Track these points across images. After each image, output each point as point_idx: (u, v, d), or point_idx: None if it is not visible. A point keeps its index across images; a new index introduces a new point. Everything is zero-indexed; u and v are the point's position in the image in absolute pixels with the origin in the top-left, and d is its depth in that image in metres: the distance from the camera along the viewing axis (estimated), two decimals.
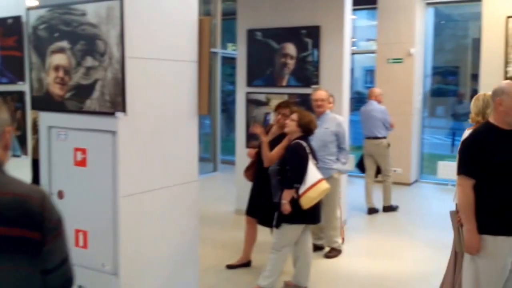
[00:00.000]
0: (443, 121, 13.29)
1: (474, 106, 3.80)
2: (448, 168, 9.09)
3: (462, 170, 3.13)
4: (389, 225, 6.23)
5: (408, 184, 9.21)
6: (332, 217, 5.47)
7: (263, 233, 5.12)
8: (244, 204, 5.19)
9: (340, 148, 5.40)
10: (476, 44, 5.89)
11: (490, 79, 5.59)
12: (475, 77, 9.60)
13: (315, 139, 5.07)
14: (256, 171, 5.00)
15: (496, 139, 3.07)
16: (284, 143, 4.52)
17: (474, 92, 8.80)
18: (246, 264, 5.10)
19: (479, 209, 3.05)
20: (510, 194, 3.04)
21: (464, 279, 3.24)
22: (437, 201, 8.35)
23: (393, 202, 7.35)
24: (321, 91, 5.53)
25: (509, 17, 5.43)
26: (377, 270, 5.23)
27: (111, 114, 3.16)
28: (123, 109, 3.13)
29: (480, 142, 3.09)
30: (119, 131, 3.17)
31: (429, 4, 9.48)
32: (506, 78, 5.45)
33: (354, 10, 7.17)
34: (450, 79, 12.97)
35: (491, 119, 3.13)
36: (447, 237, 6.26)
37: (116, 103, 3.12)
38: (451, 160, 9.96)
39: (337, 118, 5.49)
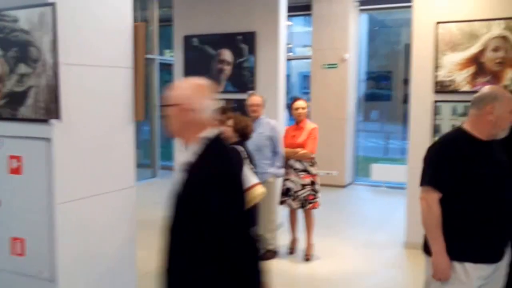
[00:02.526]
0: (376, 125, 13.74)
1: None
2: (382, 170, 9.46)
3: (428, 180, 2.75)
4: (325, 226, 6.40)
5: (343, 186, 9.50)
6: (268, 220, 5.57)
7: None
8: None
9: (274, 153, 5.52)
10: (408, 49, 6.13)
11: (420, 84, 5.85)
12: (406, 81, 10.03)
13: (251, 144, 5.18)
14: None
15: (472, 149, 2.70)
16: None
17: (405, 96, 9.22)
18: None
19: (443, 229, 2.69)
20: (483, 214, 2.67)
21: None
22: (371, 203, 8.67)
23: (330, 204, 7.54)
24: (255, 96, 5.65)
25: (438, 23, 5.67)
26: (315, 270, 5.38)
27: (46, 121, 3.13)
28: (58, 116, 3.10)
29: (453, 151, 2.71)
30: (54, 138, 3.14)
31: (362, 10, 9.81)
32: (436, 83, 5.73)
33: (290, 16, 7.35)
34: (383, 84, 13.43)
35: (467, 127, 2.76)
36: (380, 236, 6.60)
37: (51, 110, 3.09)
38: (384, 162, 10.37)
39: (271, 123, 5.61)
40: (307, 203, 5.56)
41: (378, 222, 7.10)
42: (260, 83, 6.70)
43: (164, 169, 10.61)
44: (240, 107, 6.30)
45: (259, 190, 4.29)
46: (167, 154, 10.52)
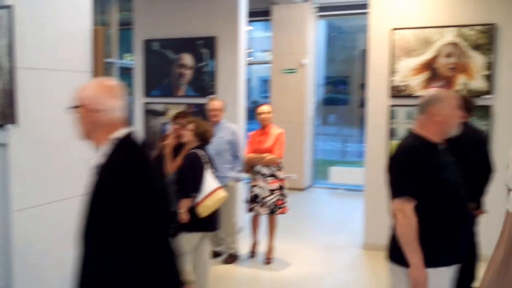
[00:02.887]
0: (334, 128, 13.96)
1: None
2: (340, 173, 9.62)
3: (401, 191, 2.71)
4: (285, 230, 6.45)
5: (302, 189, 9.61)
6: (229, 224, 5.60)
7: None
8: None
9: (235, 157, 5.53)
10: (364, 55, 6.26)
11: (376, 89, 5.98)
12: (363, 86, 10.24)
13: (211, 148, 5.19)
14: None
15: (431, 154, 2.76)
16: (183, 153, 4.58)
17: (362, 100, 9.41)
18: None
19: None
20: (448, 216, 2.73)
21: None
22: (330, 205, 8.80)
23: (289, 207, 7.58)
24: (216, 101, 5.64)
25: (394, 29, 5.81)
26: (276, 273, 5.41)
27: (1, 126, 3.06)
28: (14, 121, 3.04)
29: (417, 158, 2.71)
30: (10, 144, 3.07)
31: (321, 16, 9.96)
32: (391, 88, 5.88)
33: (250, 21, 7.41)
34: (341, 88, 13.67)
35: (420, 131, 2.81)
36: (339, 238, 6.70)
37: (7, 114, 3.03)
38: (342, 165, 10.54)
39: (231, 127, 5.62)
40: (277, 208, 5.54)
41: (337, 224, 7.22)
42: (221, 88, 6.72)
43: None
44: (200, 112, 6.31)
45: (221, 194, 4.31)
46: None
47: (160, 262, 2.11)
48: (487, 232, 5.01)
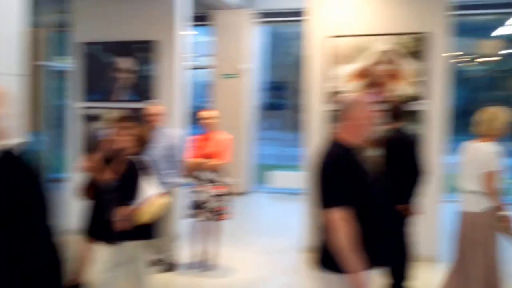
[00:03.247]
0: (274, 133, 14.12)
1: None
2: (279, 177, 9.74)
3: (337, 201, 2.69)
4: (226, 235, 6.44)
5: (242, 194, 9.63)
6: (170, 231, 5.52)
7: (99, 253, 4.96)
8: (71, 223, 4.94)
9: (175, 162, 5.44)
10: (302, 61, 6.39)
11: (314, 94, 6.11)
12: (301, 92, 10.40)
13: (150, 154, 5.13)
14: (95, 188, 4.81)
15: (354, 158, 2.82)
16: (120, 159, 4.47)
17: (300, 106, 9.56)
18: (74, 287, 4.86)
19: None
20: (373, 219, 2.78)
21: None
22: (270, 209, 8.89)
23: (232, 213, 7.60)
24: (155, 106, 5.57)
25: (330, 37, 5.96)
26: (218, 280, 5.41)
27: None
28: None
29: (344, 164, 2.75)
30: None
31: (261, 22, 10.08)
32: (329, 93, 6.02)
33: (195, 26, 7.38)
34: (280, 94, 13.83)
35: (342, 137, 2.84)
36: (280, 242, 6.77)
37: None
38: (282, 169, 10.67)
39: (172, 132, 5.55)
40: (217, 214, 5.47)
41: (278, 228, 7.30)
42: (161, 92, 6.65)
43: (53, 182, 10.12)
44: (139, 117, 6.21)
45: (161, 201, 4.25)
46: (55, 165, 10.05)
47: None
48: (422, 232, 5.23)
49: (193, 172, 5.49)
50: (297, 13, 9.14)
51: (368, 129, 2.88)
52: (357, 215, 2.69)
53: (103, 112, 6.79)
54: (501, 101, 12.51)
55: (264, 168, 10.89)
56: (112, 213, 4.18)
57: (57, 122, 10.93)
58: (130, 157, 4.28)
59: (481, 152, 4.14)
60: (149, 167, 4.39)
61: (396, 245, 4.65)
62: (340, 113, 2.86)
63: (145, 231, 4.27)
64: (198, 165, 5.44)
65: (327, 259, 2.78)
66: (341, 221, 2.66)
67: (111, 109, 6.77)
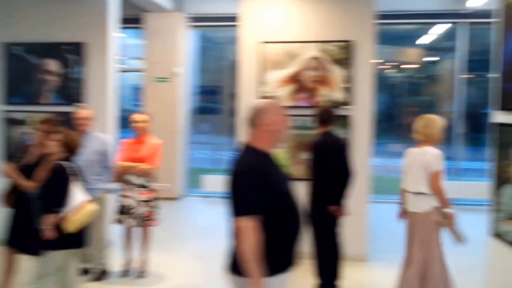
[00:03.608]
0: (206, 137, 14.15)
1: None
2: (213, 181, 9.76)
3: (246, 210, 2.67)
4: (159, 241, 6.40)
5: (176, 199, 9.60)
6: (99, 239, 5.39)
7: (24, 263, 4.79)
8: None
9: (105, 168, 5.36)
10: (235, 65, 6.48)
11: (246, 98, 6.19)
12: (234, 96, 10.49)
13: (80, 159, 5.01)
14: (17, 195, 4.59)
15: (268, 165, 2.82)
16: (46, 164, 4.34)
17: (232, 109, 9.64)
18: None
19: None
20: (287, 224, 2.82)
21: None
22: (203, 213, 8.89)
23: (163, 217, 7.48)
24: (84, 109, 5.45)
25: (262, 42, 6.07)
26: (149, 287, 5.35)
27: None
28: None
29: (260, 173, 2.72)
30: None
31: (192, 26, 10.08)
32: (265, 98, 6.12)
33: (122, 28, 7.28)
34: (212, 98, 13.86)
35: (255, 144, 2.83)
36: (214, 246, 6.79)
37: None
38: (215, 173, 10.71)
39: (102, 137, 5.45)
40: (145, 220, 5.39)
41: (211, 232, 7.30)
42: (90, 96, 6.51)
43: None
44: (68, 121, 6.05)
45: (90, 208, 4.15)
46: None
47: None
48: (350, 232, 5.45)
49: (122, 176, 5.40)
50: (230, 18, 9.25)
51: (280, 135, 2.87)
52: (269, 222, 2.69)
53: (28, 116, 6.56)
54: (422, 107, 13.21)
55: (197, 172, 10.88)
56: (38, 221, 4.05)
57: None
58: (58, 162, 4.15)
59: (426, 155, 4.41)
60: (77, 173, 4.29)
61: (327, 246, 4.82)
62: (251, 120, 2.83)
63: (74, 240, 4.16)
64: (127, 169, 5.35)
65: (237, 264, 2.77)
66: (248, 229, 2.64)
67: (37, 113, 6.57)
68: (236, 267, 2.79)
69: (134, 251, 5.65)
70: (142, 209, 5.37)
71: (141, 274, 5.53)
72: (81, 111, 5.39)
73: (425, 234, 4.49)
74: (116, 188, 5.53)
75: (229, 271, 2.87)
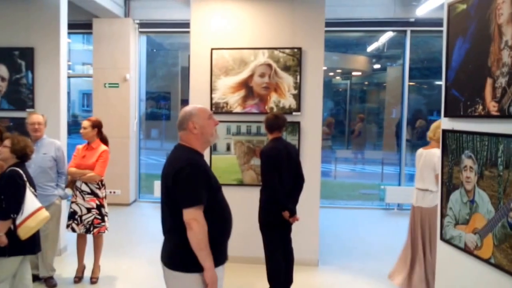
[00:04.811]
0: (157, 143, 14.08)
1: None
2: None
3: (193, 201, 2.84)
4: (110, 247, 6.34)
5: (128, 204, 9.52)
6: (51, 246, 5.36)
7: None
8: None
9: (59, 173, 5.35)
10: (185, 72, 6.49)
11: (198, 104, 6.22)
12: (185, 102, 10.49)
13: (33, 165, 4.94)
14: None
15: (204, 162, 3.06)
16: None
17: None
18: None
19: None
20: (221, 219, 3.01)
21: None
22: (155, 219, 8.78)
23: (115, 223, 7.43)
24: (37, 114, 5.39)
25: (213, 49, 6.13)
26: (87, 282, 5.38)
27: None
28: None
29: (202, 168, 2.96)
30: None
31: (142, 32, 10.03)
32: (212, 104, 6.17)
33: (70, 33, 7.19)
34: (162, 104, 13.80)
35: (193, 146, 3.04)
36: None
37: None
38: None
39: (55, 143, 5.41)
40: (93, 227, 5.35)
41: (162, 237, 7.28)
42: (40, 101, 6.41)
43: None
44: (17, 126, 5.95)
45: (43, 214, 4.12)
46: None
47: None
48: (300, 237, 5.57)
49: (70, 181, 5.41)
50: (179, 24, 9.29)
51: (208, 137, 3.06)
52: (208, 216, 2.87)
53: None
54: (370, 113, 13.57)
55: (149, 178, 10.79)
56: None
57: None
58: (11, 168, 4.12)
59: (434, 157, 5.00)
60: (31, 179, 4.24)
61: (278, 250, 4.90)
62: (180, 124, 3.05)
63: (28, 246, 4.14)
64: (75, 175, 5.35)
65: (178, 259, 2.93)
66: (199, 219, 2.81)
67: None
68: (178, 263, 2.93)
69: (82, 257, 5.61)
70: (89, 217, 5.34)
71: (93, 280, 5.49)
72: (34, 116, 5.32)
73: (432, 229, 5.02)
74: (67, 194, 5.50)
75: (171, 267, 2.98)
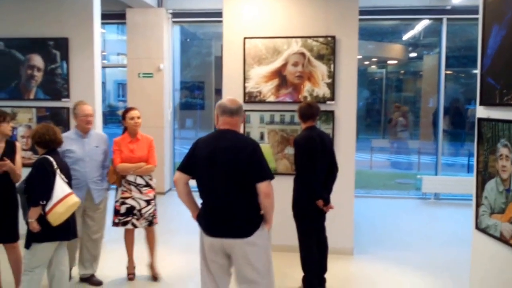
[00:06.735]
0: (191, 132, 14.18)
1: None
2: None
3: (270, 174, 3.44)
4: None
5: (163, 193, 9.63)
6: (94, 244, 5.15)
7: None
8: None
9: (104, 166, 5.14)
10: (219, 61, 6.48)
11: (231, 94, 6.20)
12: (218, 91, 10.52)
13: (88, 159, 4.90)
14: None
15: None
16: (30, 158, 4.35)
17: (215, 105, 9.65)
18: None
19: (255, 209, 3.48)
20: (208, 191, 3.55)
21: None
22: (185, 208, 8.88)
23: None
24: (88, 105, 5.07)
25: (246, 38, 6.10)
26: (140, 279, 5.35)
27: None
28: None
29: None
30: None
31: (175, 22, 10.08)
32: (245, 93, 6.16)
33: (104, 24, 7.26)
34: (196, 93, 13.88)
35: (238, 131, 3.62)
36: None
37: None
38: None
39: (103, 135, 5.22)
40: (153, 219, 5.19)
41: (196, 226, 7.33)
42: (75, 91, 6.50)
43: None
44: (52, 116, 6.06)
45: (73, 200, 4.16)
46: None
47: None
48: (337, 226, 5.53)
49: (120, 176, 5.14)
50: (212, 14, 9.28)
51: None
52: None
53: (14, 111, 6.53)
54: (406, 103, 13.34)
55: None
56: (26, 215, 4.10)
57: None
58: (42, 156, 4.18)
59: None
60: (64, 166, 4.31)
61: (313, 239, 4.87)
62: (237, 111, 3.57)
63: (61, 232, 4.19)
64: (129, 169, 5.09)
65: (254, 223, 3.49)
66: (272, 190, 3.43)
67: (22, 108, 6.55)
68: (254, 225, 3.47)
69: (131, 252, 5.41)
70: (150, 209, 5.18)
71: (154, 277, 5.33)
72: (87, 108, 5.01)
73: None
74: (111, 186, 5.29)
75: (248, 234, 3.46)
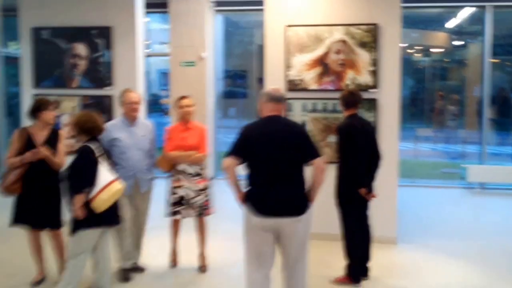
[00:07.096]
0: (235, 121, 14.23)
1: None
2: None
3: (321, 151, 3.82)
4: (190, 222, 6.45)
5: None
6: (140, 232, 5.16)
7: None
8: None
9: (151, 156, 5.08)
10: (261, 50, 6.46)
11: (273, 82, 6.18)
12: (260, 80, 10.50)
13: (135, 148, 4.86)
14: (25, 180, 4.60)
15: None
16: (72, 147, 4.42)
17: (258, 93, 9.63)
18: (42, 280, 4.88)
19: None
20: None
21: None
22: (231, 195, 8.93)
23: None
24: (134, 93, 5.01)
25: (288, 26, 6.06)
26: (184, 266, 5.39)
27: None
28: None
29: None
30: None
31: (218, 11, 10.09)
32: (287, 82, 6.13)
33: (147, 12, 7.34)
34: (239, 82, 13.89)
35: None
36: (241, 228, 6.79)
37: None
38: None
39: (149, 124, 5.15)
40: (204, 209, 5.11)
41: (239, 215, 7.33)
42: (119, 79, 6.61)
43: None
44: (97, 104, 6.17)
45: (116, 186, 4.21)
46: None
47: None
48: (380, 215, 5.46)
49: (171, 165, 5.08)
50: (254, 2, 9.23)
51: None
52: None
53: (59, 99, 6.69)
54: (450, 91, 13.01)
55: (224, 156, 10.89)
56: (70, 202, 4.16)
57: (13, 110, 10.72)
58: (84, 144, 4.22)
59: None
60: (106, 154, 4.38)
61: (356, 228, 4.84)
62: (283, 99, 3.88)
63: (105, 218, 4.25)
64: (180, 158, 5.02)
65: (307, 201, 3.74)
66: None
67: (66, 97, 6.71)
68: (307, 204, 3.72)
69: (176, 242, 5.38)
70: (201, 199, 5.11)
71: (203, 268, 5.27)
72: (134, 95, 4.95)
73: None
74: (159, 175, 5.23)
75: (304, 211, 3.69)
